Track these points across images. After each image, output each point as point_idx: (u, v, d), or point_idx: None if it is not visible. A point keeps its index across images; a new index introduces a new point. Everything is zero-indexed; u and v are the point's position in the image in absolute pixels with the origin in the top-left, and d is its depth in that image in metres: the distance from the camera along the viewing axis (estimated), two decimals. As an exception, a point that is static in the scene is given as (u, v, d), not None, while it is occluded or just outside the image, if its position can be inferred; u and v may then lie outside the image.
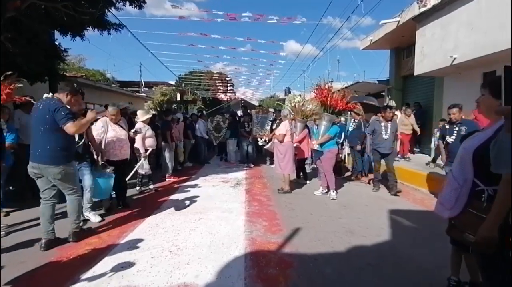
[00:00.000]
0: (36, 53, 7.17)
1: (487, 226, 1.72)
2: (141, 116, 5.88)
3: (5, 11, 5.29)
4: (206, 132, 9.69)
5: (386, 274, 2.80)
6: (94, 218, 4.06)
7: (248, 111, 10.94)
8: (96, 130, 4.33)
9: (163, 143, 6.92)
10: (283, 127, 5.89)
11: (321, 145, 5.52)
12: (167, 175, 7.03)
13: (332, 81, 6.75)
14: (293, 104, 6.67)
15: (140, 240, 3.47)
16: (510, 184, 1.67)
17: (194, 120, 9.73)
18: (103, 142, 4.36)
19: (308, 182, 6.78)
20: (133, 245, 3.34)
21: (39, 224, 3.36)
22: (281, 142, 5.82)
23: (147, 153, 5.63)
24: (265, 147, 6.68)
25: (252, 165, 8.95)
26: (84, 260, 2.96)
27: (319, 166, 5.80)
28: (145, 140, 5.71)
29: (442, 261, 2.79)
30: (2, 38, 5.77)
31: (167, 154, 7.00)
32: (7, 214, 4.27)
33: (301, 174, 6.88)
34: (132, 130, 4.78)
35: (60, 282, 2.56)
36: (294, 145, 6.11)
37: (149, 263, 2.92)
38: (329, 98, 5.56)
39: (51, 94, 3.53)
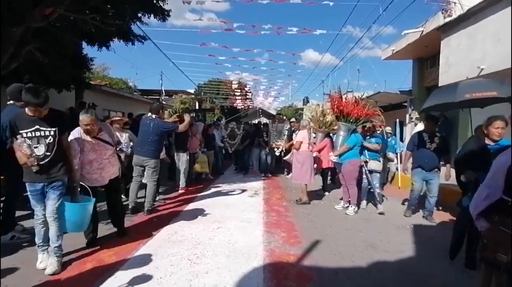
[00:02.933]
0: (64, 63, 7.49)
1: (522, 246, 1.63)
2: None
3: (32, 19, 5.54)
4: (221, 140, 9.57)
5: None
6: (49, 269, 2.81)
7: (265, 121, 10.93)
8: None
9: (176, 153, 6.61)
10: (300, 135, 5.82)
11: (340, 156, 5.31)
12: (180, 187, 6.64)
13: (352, 91, 6.52)
14: (312, 114, 6.57)
15: (160, 248, 3.51)
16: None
17: (212, 129, 9.47)
18: (75, 161, 3.20)
19: (327, 193, 6.67)
20: (153, 252, 3.37)
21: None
22: (297, 149, 5.73)
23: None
24: (285, 158, 6.52)
25: (269, 175, 8.88)
26: (105, 266, 3.02)
27: (341, 178, 5.55)
28: None
29: (467, 280, 2.67)
30: (32, 48, 6.06)
31: (182, 165, 6.62)
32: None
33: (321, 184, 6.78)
34: (117, 148, 3.73)
35: (83, 283, 2.61)
36: (314, 154, 6.00)
37: (169, 271, 2.94)
38: (342, 106, 5.42)
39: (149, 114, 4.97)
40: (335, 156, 5.36)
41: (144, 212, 4.75)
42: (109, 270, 2.92)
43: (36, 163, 2.72)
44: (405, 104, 12.25)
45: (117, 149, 3.72)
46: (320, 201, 6.07)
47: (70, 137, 3.26)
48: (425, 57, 10.93)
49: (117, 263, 3.08)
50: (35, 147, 2.75)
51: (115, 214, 3.88)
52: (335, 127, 6.34)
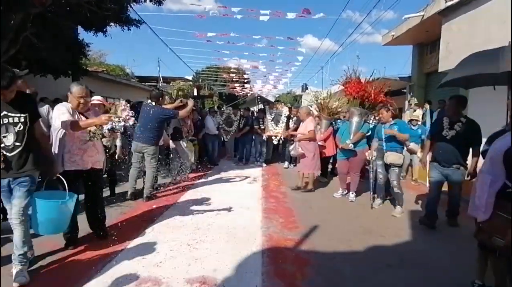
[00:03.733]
0: (60, 49, 7.38)
1: (518, 230, 1.65)
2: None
3: (31, 5, 5.45)
4: (217, 127, 8.79)
5: (405, 275, 2.75)
6: (16, 280, 2.38)
7: (262, 106, 10.05)
8: (60, 116, 2.82)
9: (171, 142, 6.25)
10: (312, 124, 5.61)
11: (354, 144, 5.02)
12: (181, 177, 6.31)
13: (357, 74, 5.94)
14: (319, 101, 6.18)
15: (159, 233, 3.54)
16: (545, 188, 1.59)
17: (203, 116, 8.78)
18: (54, 141, 2.92)
19: (325, 180, 6.70)
20: (152, 237, 3.42)
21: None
22: (314, 139, 5.60)
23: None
24: (292, 153, 5.89)
25: (265, 165, 8.53)
26: (105, 251, 3.05)
27: (343, 166, 5.32)
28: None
29: (464, 264, 2.72)
30: (29, 34, 5.96)
31: (182, 153, 6.27)
32: None
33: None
34: (107, 127, 2.97)
35: (83, 271, 2.65)
36: (319, 143, 5.93)
37: (168, 256, 2.98)
38: (362, 91, 5.11)
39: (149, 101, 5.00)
40: (352, 143, 5.01)
41: (143, 199, 4.78)
42: (109, 255, 2.96)
43: (2, 158, 2.33)
44: (404, 90, 12.18)
45: (109, 128, 3.00)
46: (319, 188, 6.09)
47: (60, 115, 2.81)
48: (426, 42, 10.80)
49: (117, 248, 3.11)
50: (3, 137, 2.37)
51: (93, 213, 3.30)
52: (344, 113, 6.21)
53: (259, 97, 32.84)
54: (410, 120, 6.75)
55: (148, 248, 3.14)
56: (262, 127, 8.63)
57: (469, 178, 3.70)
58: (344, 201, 5.16)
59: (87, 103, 3.06)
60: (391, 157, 4.42)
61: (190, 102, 5.16)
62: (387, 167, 4.53)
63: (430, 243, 3.47)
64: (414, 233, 3.77)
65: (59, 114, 2.83)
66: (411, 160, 6.68)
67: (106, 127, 2.88)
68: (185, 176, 6.40)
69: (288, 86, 35.10)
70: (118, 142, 4.72)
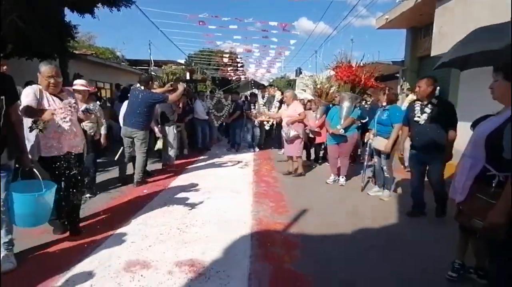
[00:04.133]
0: (46, 31, 7.16)
1: (496, 212, 1.69)
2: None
3: None
4: (207, 112, 8.39)
5: (391, 256, 2.82)
6: (5, 265, 2.36)
7: (255, 91, 9.57)
8: (23, 99, 2.67)
9: (164, 127, 5.95)
10: (300, 106, 5.67)
11: (345, 129, 5.00)
12: (169, 162, 6.20)
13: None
14: (318, 86, 6.07)
15: (149, 218, 3.55)
16: (524, 171, 1.62)
17: (189, 98, 8.28)
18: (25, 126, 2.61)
19: (317, 165, 6.73)
20: (142, 222, 3.43)
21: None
22: (303, 122, 5.67)
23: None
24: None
25: (257, 150, 8.47)
26: (95, 235, 3.05)
27: (334, 151, 5.29)
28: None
29: (448, 246, 2.78)
30: (14, 16, 5.76)
31: (170, 138, 6.02)
32: None
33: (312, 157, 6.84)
34: (82, 108, 3.02)
35: (72, 255, 2.65)
36: (316, 129, 5.97)
37: (158, 239, 3.00)
38: (353, 75, 5.04)
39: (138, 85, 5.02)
40: (343, 128, 4.98)
41: (134, 184, 4.77)
42: (98, 240, 2.96)
43: None
44: (397, 75, 12.15)
45: (82, 109, 2.98)
46: (311, 173, 6.14)
47: (24, 98, 2.64)
48: (419, 26, 10.70)
49: (107, 233, 3.12)
50: None
51: (68, 203, 2.96)
52: (336, 98, 5.92)
53: (252, 82, 32.51)
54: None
55: (138, 232, 3.15)
56: (254, 112, 8.37)
57: (445, 162, 3.52)
58: (335, 185, 5.21)
59: (58, 83, 2.78)
60: (376, 142, 4.39)
61: (181, 86, 5.09)
62: (378, 151, 4.45)
63: (417, 225, 3.54)
64: (401, 216, 3.83)
65: (23, 97, 2.65)
66: None
67: (81, 108, 2.93)
68: (172, 163, 6.20)
69: (282, 71, 34.81)
70: (103, 130, 4.35)
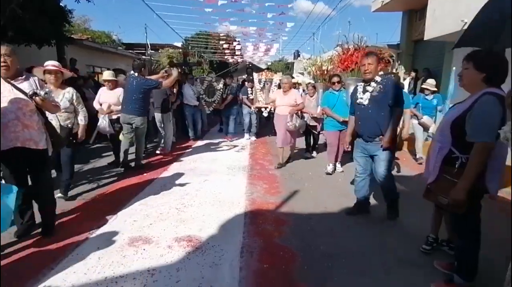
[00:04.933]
0: (43, 17, 7.18)
1: (458, 190, 1.92)
2: (107, 76, 5.11)
3: None
4: (197, 98, 7.78)
5: (372, 232, 3.06)
6: None
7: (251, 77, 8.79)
8: None
9: (158, 114, 6.07)
10: (299, 96, 5.47)
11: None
12: (165, 150, 6.20)
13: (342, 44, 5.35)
14: (317, 68, 5.52)
15: (150, 199, 3.79)
16: (481, 153, 1.84)
17: (180, 84, 7.70)
18: None
19: (314, 153, 6.52)
20: (143, 202, 3.67)
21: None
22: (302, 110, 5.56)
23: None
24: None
25: (253, 138, 8.05)
26: (100, 214, 3.30)
27: (335, 138, 4.99)
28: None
29: (426, 223, 3.02)
30: (14, 5, 5.81)
31: (166, 127, 6.07)
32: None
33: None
34: (30, 92, 2.54)
35: (80, 233, 2.89)
36: (319, 116, 5.69)
37: (158, 218, 3.25)
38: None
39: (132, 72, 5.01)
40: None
41: (134, 168, 4.98)
42: (102, 219, 3.20)
43: None
44: (393, 58, 12.19)
45: (30, 94, 2.53)
46: (303, 158, 6.10)
47: None
48: (415, 8, 10.67)
49: (110, 212, 3.36)
50: None
51: (39, 203, 2.83)
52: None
53: (250, 65, 32.28)
54: (422, 89, 6.01)
55: (139, 212, 3.39)
56: (251, 98, 7.95)
57: (382, 148, 3.05)
58: (327, 166, 5.31)
59: (8, 67, 2.45)
60: None
61: (175, 72, 5.14)
62: None
63: (402, 205, 3.77)
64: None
65: None
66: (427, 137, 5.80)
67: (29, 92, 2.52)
68: (168, 151, 6.22)
69: (280, 53, 34.50)
70: (82, 120, 3.73)
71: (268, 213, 3.48)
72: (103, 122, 4.86)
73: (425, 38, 8.13)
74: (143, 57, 15.52)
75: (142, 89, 4.85)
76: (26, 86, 2.57)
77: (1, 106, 2.39)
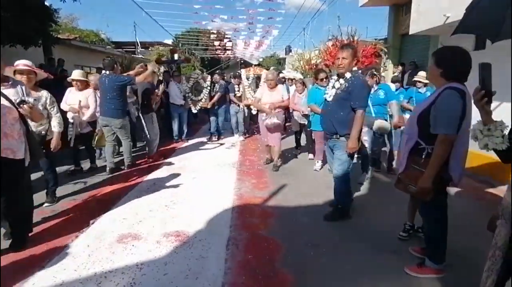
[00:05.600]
0: (27, 16, 7.14)
1: (424, 179, 2.04)
2: (76, 75, 4.66)
3: None
4: (184, 97, 7.30)
5: (355, 221, 3.20)
6: None
7: (238, 72, 8.35)
8: None
9: (139, 114, 5.54)
10: (286, 91, 5.14)
11: None
12: (150, 154, 5.71)
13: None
14: (305, 63, 5.39)
15: (139, 196, 3.87)
16: (443, 144, 1.96)
17: (165, 81, 7.44)
18: None
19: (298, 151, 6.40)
20: (133, 201, 3.74)
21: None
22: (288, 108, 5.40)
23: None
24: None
25: (241, 137, 7.71)
26: (89, 213, 3.37)
27: (321, 137, 4.50)
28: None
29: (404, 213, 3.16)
30: None
31: (151, 128, 5.53)
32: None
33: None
34: (17, 100, 2.45)
35: (69, 231, 2.97)
36: (308, 112, 5.40)
37: (148, 215, 3.33)
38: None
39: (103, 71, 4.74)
40: None
41: (125, 167, 5.01)
42: (93, 217, 3.27)
43: None
44: (386, 53, 12.33)
45: (17, 101, 2.43)
46: (294, 156, 6.10)
47: None
48: (401, 3, 10.81)
49: (101, 210, 3.43)
50: None
51: (12, 214, 2.63)
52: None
53: (242, 61, 32.22)
54: (414, 82, 5.74)
55: (129, 210, 3.47)
56: (238, 95, 7.58)
57: (347, 151, 2.99)
58: (315, 162, 5.38)
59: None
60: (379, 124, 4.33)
61: (150, 66, 4.98)
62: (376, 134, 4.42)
63: (382, 196, 3.92)
64: (373, 188, 4.23)
65: None
66: None
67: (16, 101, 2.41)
68: (152, 153, 5.71)
69: (271, 49, 34.53)
70: (56, 126, 3.38)
71: (255, 207, 3.59)
72: (75, 119, 4.47)
73: (410, 33, 8.26)
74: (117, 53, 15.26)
75: (115, 86, 4.61)
76: (12, 92, 2.49)
77: None
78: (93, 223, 3.15)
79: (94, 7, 57.43)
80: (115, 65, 4.89)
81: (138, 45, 25.15)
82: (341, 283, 2.24)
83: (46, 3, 8.82)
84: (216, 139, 7.65)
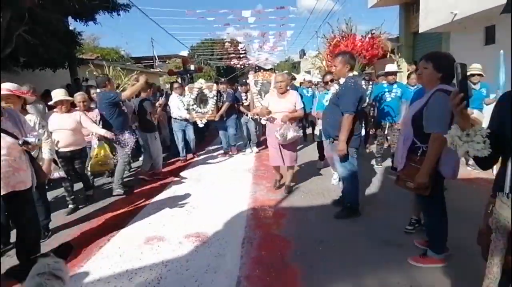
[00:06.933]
0: (54, 41, 7.75)
1: (420, 175, 2.21)
2: (59, 95, 3.82)
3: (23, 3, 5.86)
4: (187, 109, 6.40)
5: (363, 218, 3.36)
6: None
7: (244, 79, 7.83)
8: None
9: (140, 132, 5.28)
10: (299, 99, 4.12)
11: None
12: (157, 170, 5.41)
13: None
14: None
15: (162, 204, 4.17)
16: (435, 142, 2.13)
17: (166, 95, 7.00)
18: None
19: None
20: (156, 207, 4.06)
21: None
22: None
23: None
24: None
25: (255, 149, 7.02)
26: (119, 220, 3.72)
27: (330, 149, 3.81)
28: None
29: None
30: (21, 31, 6.34)
31: (153, 145, 5.18)
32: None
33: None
34: (20, 141, 2.32)
35: (102, 235, 3.31)
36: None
37: (170, 220, 3.63)
38: (358, 48, 4.49)
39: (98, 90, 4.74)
40: None
41: (113, 193, 4.52)
42: (124, 222, 3.61)
43: None
44: (393, 50, 12.32)
45: (20, 142, 2.33)
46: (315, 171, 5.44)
47: None
48: (411, 2, 10.83)
49: (129, 216, 3.78)
50: None
51: (22, 239, 2.54)
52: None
53: (257, 67, 32.66)
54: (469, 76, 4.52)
55: (153, 216, 3.79)
56: (246, 104, 6.84)
57: (340, 154, 3.09)
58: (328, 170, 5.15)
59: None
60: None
61: (141, 79, 4.60)
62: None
63: (388, 193, 4.03)
64: (383, 186, 4.37)
65: None
66: None
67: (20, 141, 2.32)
68: (159, 173, 5.44)
69: (285, 53, 34.76)
70: (47, 154, 2.99)
71: (269, 208, 3.82)
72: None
73: (420, 31, 8.33)
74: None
75: (104, 104, 4.45)
76: (10, 125, 2.35)
77: None
78: (122, 227, 3.49)
79: (114, 27, 60.05)
80: (107, 82, 4.65)
81: (156, 59, 26.18)
82: (347, 275, 2.42)
83: (71, 27, 9.54)
84: (229, 156, 6.85)
